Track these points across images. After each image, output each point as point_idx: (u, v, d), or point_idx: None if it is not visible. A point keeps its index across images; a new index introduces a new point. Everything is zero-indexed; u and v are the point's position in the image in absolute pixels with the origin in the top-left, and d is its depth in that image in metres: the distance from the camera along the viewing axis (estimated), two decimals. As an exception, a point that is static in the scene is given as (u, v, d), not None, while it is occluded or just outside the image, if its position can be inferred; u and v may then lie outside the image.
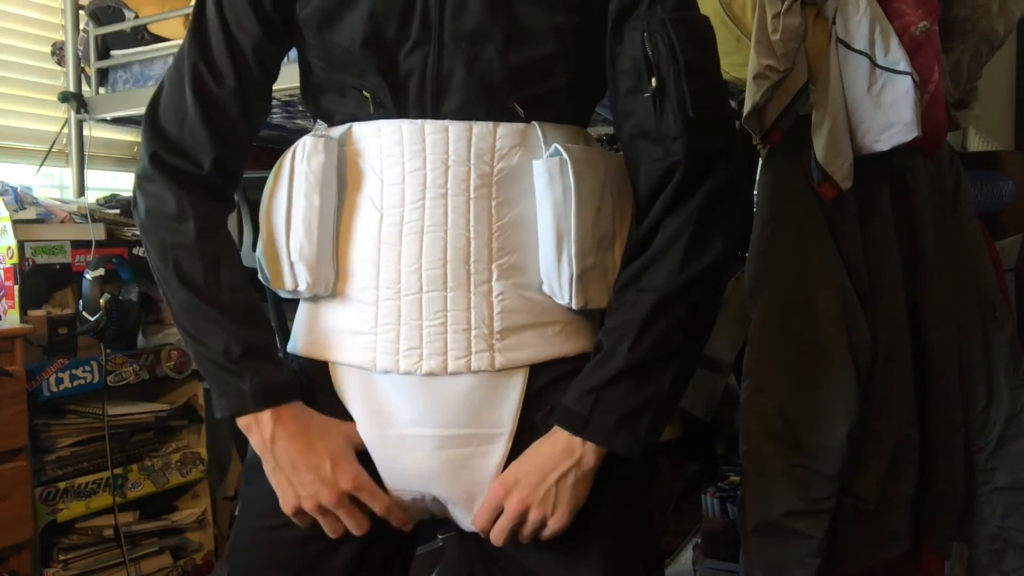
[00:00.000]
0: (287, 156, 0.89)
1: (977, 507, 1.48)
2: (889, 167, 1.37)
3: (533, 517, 0.83)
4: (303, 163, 0.87)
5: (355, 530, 0.86)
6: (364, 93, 0.87)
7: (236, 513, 2.21)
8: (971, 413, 1.47)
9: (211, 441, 2.35)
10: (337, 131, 0.90)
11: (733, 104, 1.84)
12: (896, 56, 1.22)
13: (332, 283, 0.88)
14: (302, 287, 0.88)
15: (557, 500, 0.82)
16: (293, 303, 0.97)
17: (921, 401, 1.39)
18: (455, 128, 0.84)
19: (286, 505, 0.86)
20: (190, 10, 2.18)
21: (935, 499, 1.42)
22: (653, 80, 0.83)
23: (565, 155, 0.84)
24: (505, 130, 0.85)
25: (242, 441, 0.91)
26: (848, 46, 1.23)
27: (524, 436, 0.86)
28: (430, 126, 0.84)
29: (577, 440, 0.83)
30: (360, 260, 0.87)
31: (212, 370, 0.87)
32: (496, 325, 0.85)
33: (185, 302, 0.87)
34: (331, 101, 0.92)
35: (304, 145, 0.88)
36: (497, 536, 0.85)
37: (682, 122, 0.83)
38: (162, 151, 0.90)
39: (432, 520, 0.94)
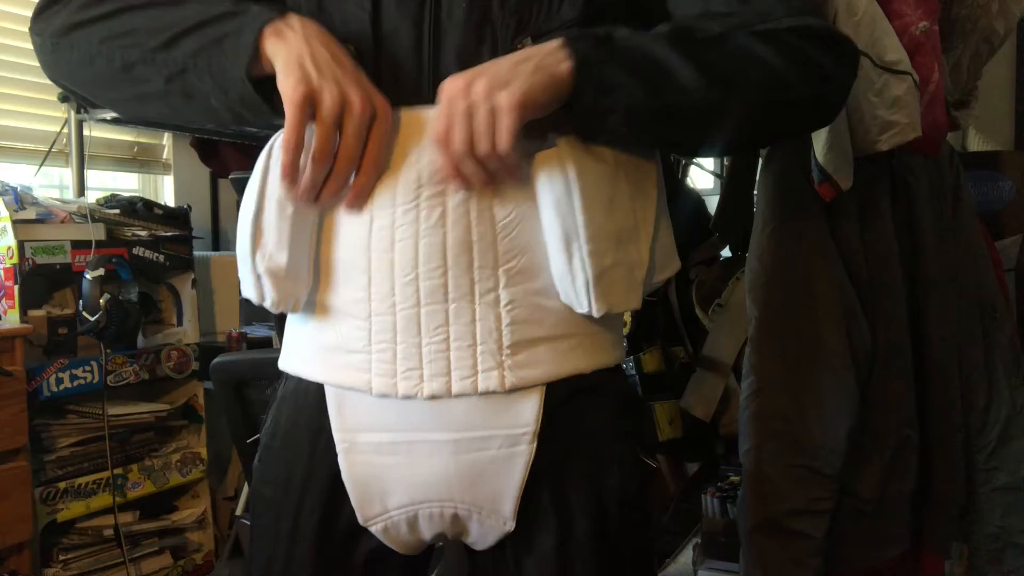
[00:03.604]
0: (264, 151, 0.78)
1: (977, 507, 1.47)
2: (889, 167, 1.37)
3: (479, 89, 0.67)
4: (279, 158, 0.72)
5: (358, 102, 0.70)
6: (349, 47, 0.75)
7: (236, 513, 2.21)
8: (971, 413, 1.47)
9: (211, 441, 2.36)
10: None
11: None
12: (896, 56, 1.22)
13: (302, 301, 0.78)
14: (267, 303, 0.77)
15: (511, 77, 0.67)
16: None
17: (921, 401, 1.39)
18: None
19: (296, 91, 0.69)
20: (190, 10, 2.19)
21: (935, 499, 1.42)
22: None
23: (560, 142, 0.72)
24: None
25: (242, 441, 0.88)
26: (848, 46, 1.23)
27: (551, 432, 0.77)
28: (430, 112, 0.71)
29: (555, 43, 0.69)
30: (349, 268, 0.76)
31: (211, 32, 0.72)
32: (505, 339, 0.74)
33: (150, 19, 0.74)
34: None
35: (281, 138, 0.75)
36: (458, 140, 0.68)
37: None
38: None
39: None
